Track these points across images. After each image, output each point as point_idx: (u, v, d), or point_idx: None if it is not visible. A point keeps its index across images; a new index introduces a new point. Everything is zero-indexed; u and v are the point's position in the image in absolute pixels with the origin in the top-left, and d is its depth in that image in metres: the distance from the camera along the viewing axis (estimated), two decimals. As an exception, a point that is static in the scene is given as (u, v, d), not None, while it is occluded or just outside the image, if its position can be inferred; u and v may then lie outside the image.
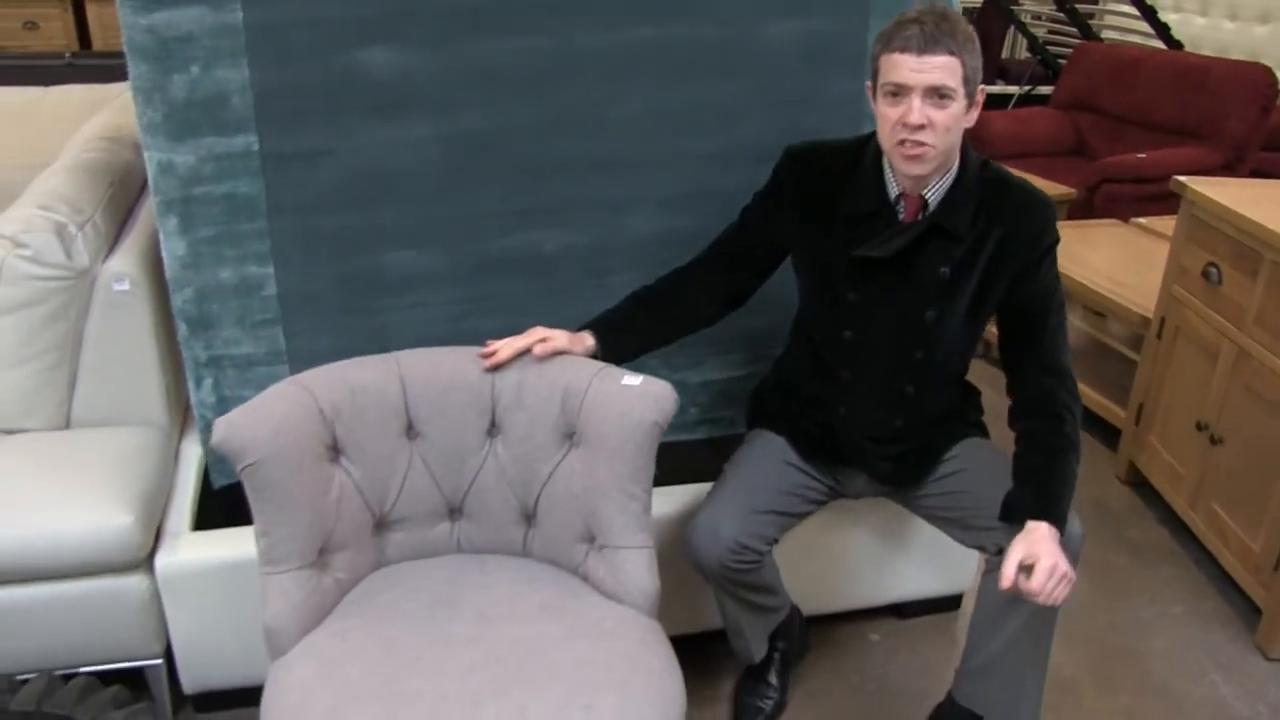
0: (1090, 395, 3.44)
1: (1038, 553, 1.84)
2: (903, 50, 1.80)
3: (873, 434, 2.11)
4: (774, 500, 2.12)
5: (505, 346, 2.01)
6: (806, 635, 2.53)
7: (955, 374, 2.14)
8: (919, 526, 2.47)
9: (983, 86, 1.89)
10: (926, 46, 1.78)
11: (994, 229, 1.94)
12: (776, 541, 2.13)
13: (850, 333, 2.04)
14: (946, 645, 2.16)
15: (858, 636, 2.63)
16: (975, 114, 1.88)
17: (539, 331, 2.03)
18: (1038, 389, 1.99)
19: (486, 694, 1.68)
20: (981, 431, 2.18)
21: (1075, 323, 3.95)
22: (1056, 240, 1.98)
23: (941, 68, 1.79)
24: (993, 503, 1.96)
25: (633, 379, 1.93)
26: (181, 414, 2.54)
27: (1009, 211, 1.95)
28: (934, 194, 1.93)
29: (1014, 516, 1.91)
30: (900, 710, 2.40)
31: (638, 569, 1.91)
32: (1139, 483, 3.24)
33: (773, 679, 2.39)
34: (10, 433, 2.31)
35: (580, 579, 1.98)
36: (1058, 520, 1.88)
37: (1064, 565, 1.83)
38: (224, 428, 1.78)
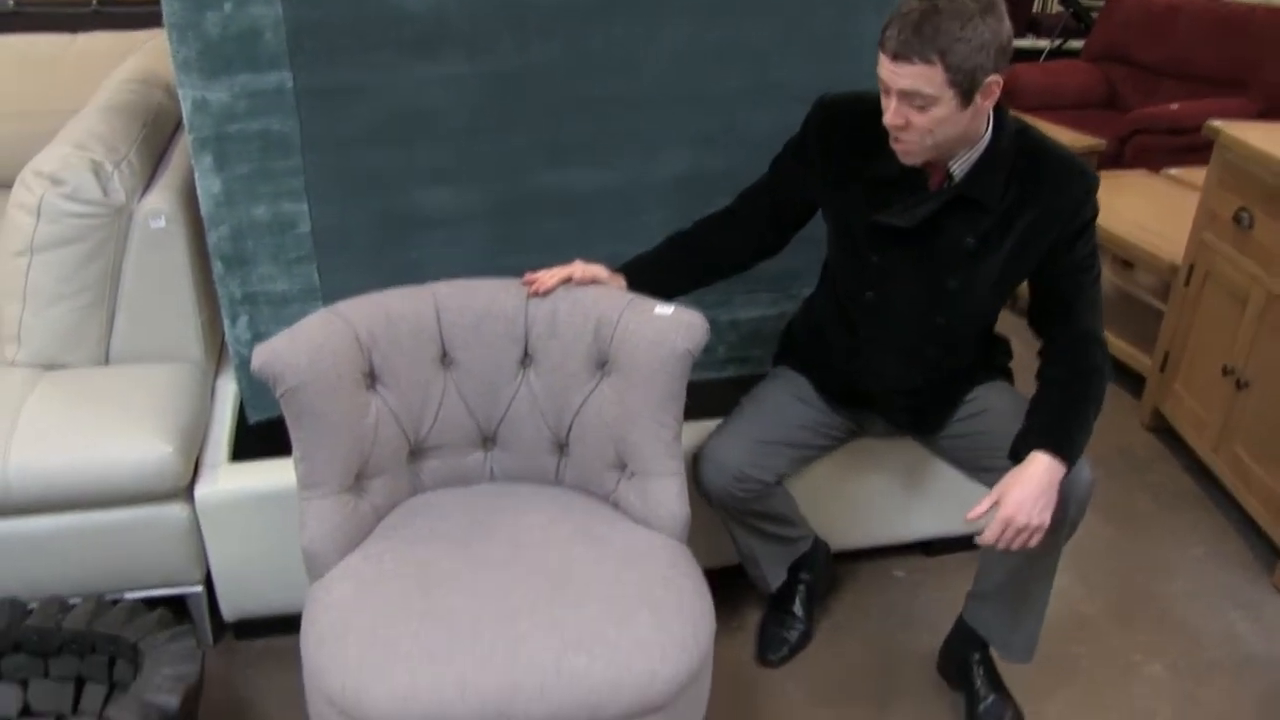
0: (1116, 344, 3.45)
1: (1005, 498, 1.84)
2: (882, 48, 1.76)
3: (893, 386, 2.13)
4: (786, 434, 2.15)
5: (548, 276, 2.03)
6: (834, 570, 2.56)
7: (979, 334, 2.14)
8: (944, 465, 2.50)
9: (995, 78, 1.77)
10: (899, 52, 1.72)
11: (1028, 200, 1.89)
12: (785, 475, 2.16)
13: (872, 294, 2.04)
14: (969, 583, 2.18)
15: (882, 573, 2.66)
16: (988, 100, 1.80)
17: (580, 264, 2.05)
18: (1068, 351, 1.98)
19: (522, 611, 1.72)
20: (1006, 376, 2.20)
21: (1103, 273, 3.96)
22: (1095, 214, 1.93)
23: (913, 76, 1.72)
24: (1006, 442, 1.96)
25: (665, 308, 1.96)
26: (218, 351, 2.58)
27: (1046, 183, 1.89)
28: (960, 166, 1.89)
29: (1019, 451, 1.90)
30: (923, 643, 2.44)
31: (668, 495, 1.94)
32: (1163, 429, 3.25)
33: (798, 610, 2.42)
34: (51, 368, 2.35)
35: (612, 506, 2.01)
36: (1062, 452, 1.85)
37: (1025, 517, 1.81)
38: (264, 354, 1.81)
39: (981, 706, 2.21)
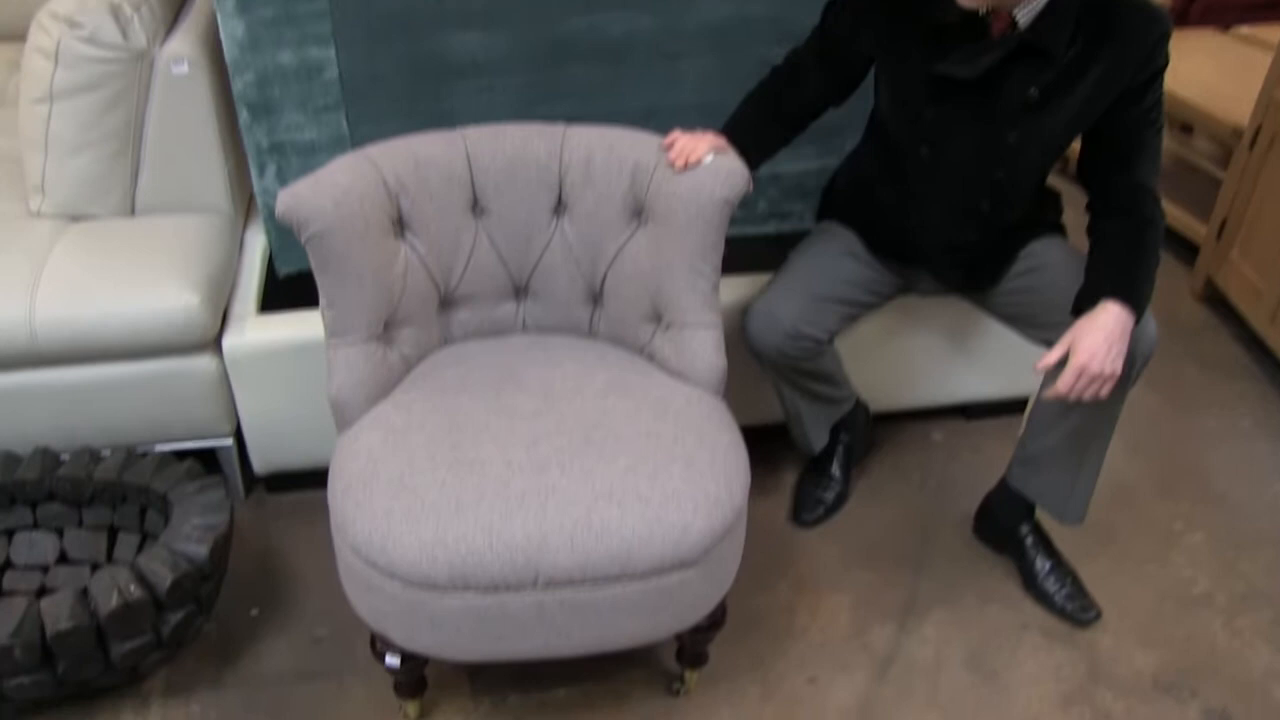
0: (1170, 211, 3.30)
1: (1078, 345, 1.79)
2: None
3: (945, 242, 2.05)
4: (837, 289, 2.08)
5: (692, 142, 1.88)
6: (872, 431, 2.52)
7: (1034, 187, 2.05)
8: (987, 327, 2.43)
9: None
10: None
11: (1096, 50, 1.78)
12: (836, 333, 2.10)
13: (926, 149, 1.94)
14: (1009, 446, 2.13)
15: (921, 436, 2.62)
16: None
17: (711, 137, 1.93)
18: (1124, 204, 1.89)
19: (552, 461, 1.69)
20: (1059, 232, 2.11)
21: (1155, 138, 3.82)
22: (1166, 63, 1.81)
23: None
24: (1065, 297, 1.89)
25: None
26: (246, 203, 2.53)
27: (1116, 31, 1.77)
28: (1025, 14, 1.76)
29: (1085, 304, 1.83)
30: (959, 506, 2.40)
31: (705, 348, 1.89)
32: (1215, 299, 3.15)
33: (835, 471, 2.39)
34: (77, 219, 2.31)
35: (647, 359, 1.97)
36: (1132, 301, 1.80)
37: (1099, 365, 1.76)
38: (288, 198, 1.75)
39: (1041, 575, 2.18)
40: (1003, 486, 2.20)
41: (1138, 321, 1.82)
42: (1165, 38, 1.78)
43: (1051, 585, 2.16)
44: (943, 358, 2.49)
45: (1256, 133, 2.91)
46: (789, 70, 2.03)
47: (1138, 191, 1.88)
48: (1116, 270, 1.85)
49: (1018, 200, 1.99)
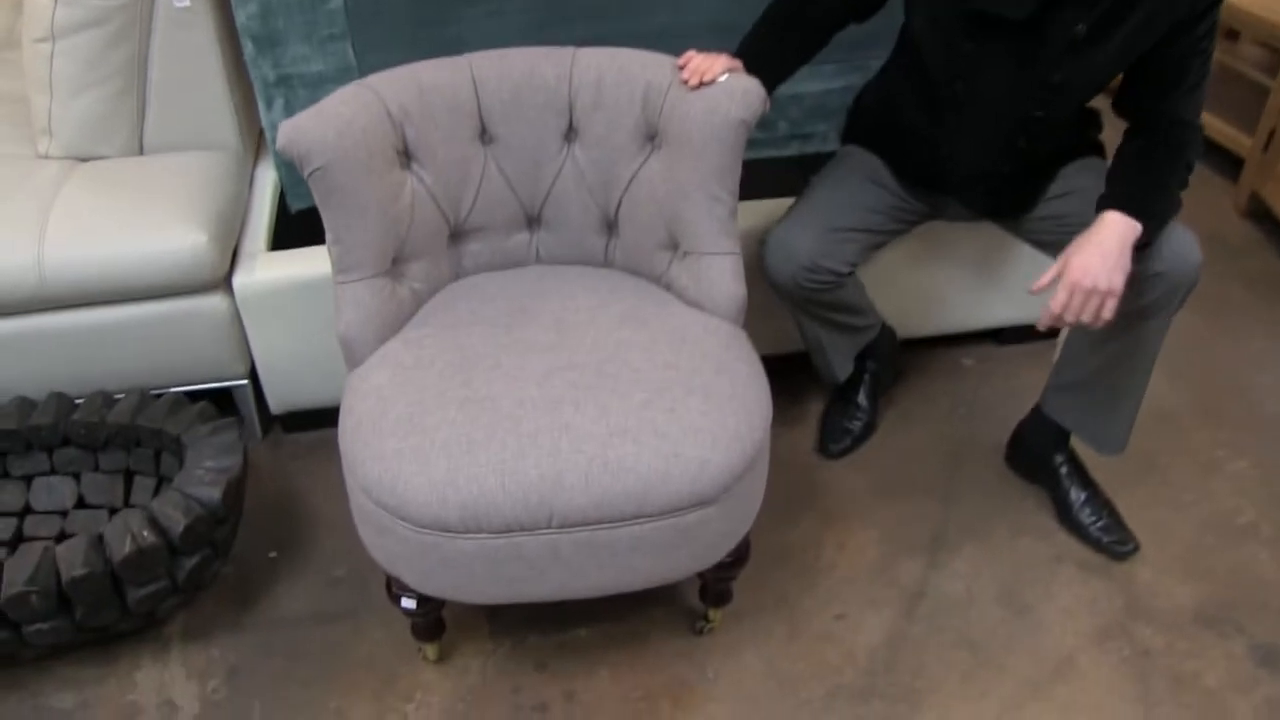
0: (1213, 123, 3.22)
1: (1070, 262, 1.69)
2: None
3: (976, 173, 1.96)
4: (858, 218, 1.99)
5: (706, 62, 1.79)
6: (901, 359, 2.45)
7: (1074, 119, 1.95)
8: (1019, 250, 2.35)
9: None
10: None
11: None
12: (857, 264, 2.02)
13: (961, 84, 1.84)
14: (1041, 372, 2.06)
15: (951, 361, 2.55)
16: None
17: (725, 58, 1.83)
18: (1156, 129, 1.79)
19: (566, 398, 1.63)
20: (1096, 151, 2.00)
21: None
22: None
23: None
24: None
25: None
26: (255, 138, 2.48)
27: None
28: None
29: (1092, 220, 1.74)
30: (990, 434, 2.34)
31: (723, 276, 1.82)
32: (1260, 215, 3.04)
33: (862, 400, 2.32)
34: (85, 160, 2.27)
35: (664, 288, 1.90)
36: (1138, 213, 1.69)
37: (1092, 280, 1.66)
38: (289, 131, 1.69)
39: (1076, 506, 2.11)
40: (1036, 414, 2.13)
41: (1149, 238, 1.72)
42: None
43: (1087, 516, 2.09)
44: (973, 282, 2.41)
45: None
46: None
47: (1176, 122, 1.77)
48: (1125, 183, 1.75)
49: (1056, 135, 1.90)
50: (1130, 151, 1.79)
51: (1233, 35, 3.61)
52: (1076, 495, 2.11)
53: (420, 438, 1.59)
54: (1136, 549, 2.07)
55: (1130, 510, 2.14)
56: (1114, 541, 2.07)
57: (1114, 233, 1.69)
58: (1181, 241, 1.76)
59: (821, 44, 1.97)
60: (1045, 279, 1.74)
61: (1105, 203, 1.73)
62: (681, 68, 1.82)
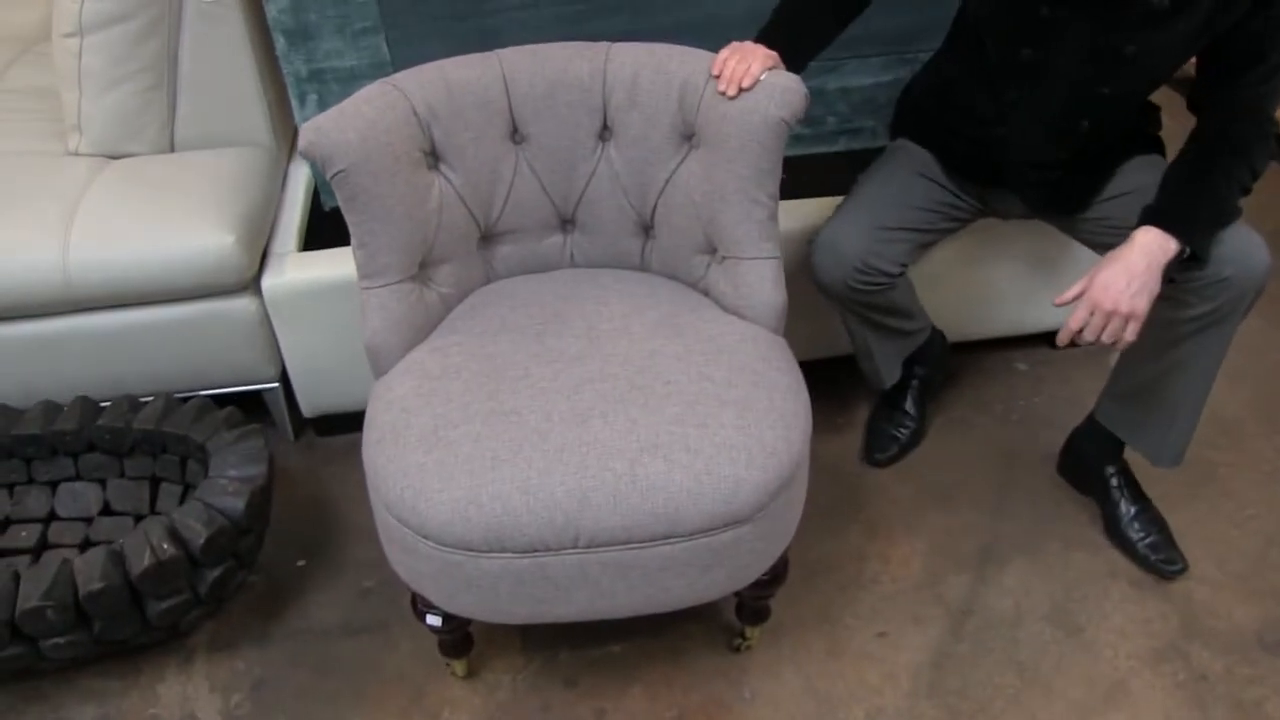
0: None
1: (1094, 279, 1.62)
2: None
3: (1032, 161, 1.86)
4: (908, 217, 1.91)
5: (741, 64, 1.70)
6: (950, 363, 2.36)
7: (1140, 106, 1.86)
8: (1075, 248, 2.25)
9: None
10: None
11: None
12: (908, 265, 1.93)
13: (1030, 51, 1.74)
14: (1098, 377, 1.97)
15: (1004, 365, 2.45)
16: None
17: (762, 51, 1.74)
18: (1219, 118, 1.69)
19: (595, 411, 1.57)
20: (1157, 148, 1.90)
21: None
22: None
23: None
24: None
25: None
26: (289, 135, 2.43)
27: None
28: None
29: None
30: (1043, 441, 2.25)
31: (762, 281, 1.75)
32: (1329, 209, 2.93)
33: (909, 407, 2.24)
34: (114, 157, 2.23)
35: (701, 294, 1.83)
36: (1173, 227, 1.61)
37: (1112, 302, 1.59)
38: (310, 133, 1.64)
39: (1125, 520, 2.02)
40: (1090, 422, 2.04)
41: (1198, 252, 1.63)
42: None
43: (1135, 532, 2.00)
44: (1026, 282, 2.32)
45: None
46: None
47: (1240, 107, 1.67)
48: (1172, 194, 1.66)
49: (1120, 120, 1.80)
50: (1189, 156, 1.69)
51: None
52: (1126, 509, 2.02)
53: (444, 452, 1.53)
54: (1184, 569, 1.97)
55: (1188, 524, 2.05)
56: (1161, 560, 1.98)
57: (1144, 251, 1.61)
58: (1249, 244, 1.66)
59: (853, 17, 1.88)
60: (1070, 293, 1.67)
61: (1146, 215, 1.65)
62: (717, 77, 1.73)
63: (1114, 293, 1.60)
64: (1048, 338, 2.48)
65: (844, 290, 1.90)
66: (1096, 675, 1.81)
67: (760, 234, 1.75)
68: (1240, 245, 1.66)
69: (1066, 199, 1.88)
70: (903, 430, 2.24)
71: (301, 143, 1.63)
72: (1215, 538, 2.04)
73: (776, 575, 1.73)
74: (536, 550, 1.50)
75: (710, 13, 2.12)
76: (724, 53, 1.74)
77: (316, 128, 1.64)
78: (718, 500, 1.50)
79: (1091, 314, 1.63)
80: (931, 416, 2.31)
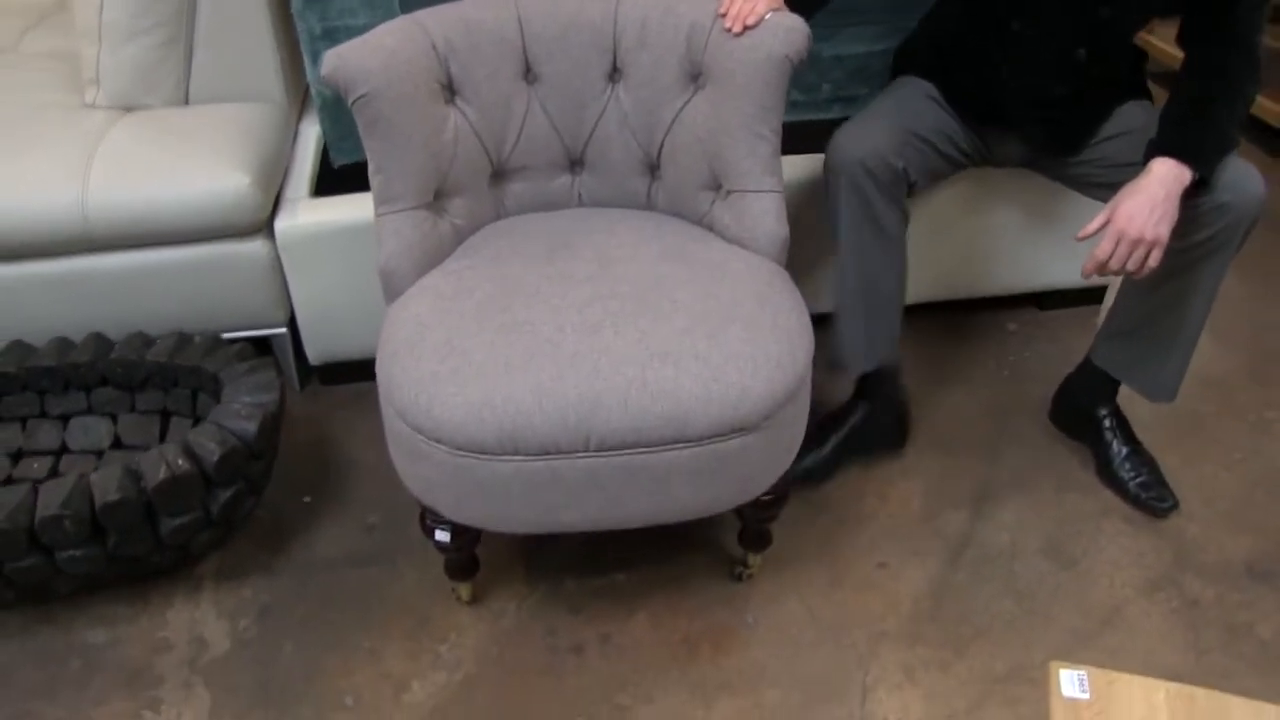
0: (1265, 104, 3.18)
1: (1116, 209, 1.68)
2: None
3: (1033, 97, 1.93)
4: (921, 127, 1.95)
5: (747, 13, 1.77)
6: (906, 423, 2.23)
7: (1132, 37, 1.93)
8: (1064, 210, 2.31)
9: None
10: None
11: None
12: (917, 175, 1.93)
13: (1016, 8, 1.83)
14: (1086, 336, 2.04)
15: (994, 325, 2.51)
16: None
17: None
18: (1208, 54, 1.76)
19: (606, 323, 1.61)
20: (1145, 94, 1.98)
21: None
22: None
23: None
24: None
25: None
26: (300, 93, 2.48)
27: None
28: None
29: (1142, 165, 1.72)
30: (1034, 394, 2.30)
31: (766, 214, 1.80)
32: (1311, 194, 3.00)
33: (828, 448, 2.11)
34: (131, 109, 2.28)
35: (705, 228, 1.88)
36: (1185, 156, 1.67)
37: (1138, 229, 1.66)
38: (334, 59, 1.69)
39: (1117, 461, 2.07)
40: (1085, 366, 2.09)
41: (1206, 178, 1.70)
42: None
43: (1127, 472, 2.05)
44: (1016, 242, 2.38)
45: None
46: None
47: (1228, 42, 1.74)
48: (1176, 125, 1.73)
49: (1117, 49, 1.88)
50: (1185, 89, 1.76)
51: (1277, 18, 3.57)
52: (1118, 450, 2.06)
53: (458, 360, 1.57)
54: (1175, 506, 2.02)
55: (1178, 467, 2.10)
56: (1153, 498, 2.02)
57: (1162, 181, 1.67)
58: (1244, 172, 1.73)
59: None
60: (1093, 226, 1.72)
61: (1155, 148, 1.71)
62: (723, 15, 1.80)
63: (1139, 221, 1.66)
64: (1036, 298, 2.53)
65: (858, 169, 1.87)
66: (1092, 603, 1.85)
67: (763, 168, 1.80)
68: (1237, 173, 1.73)
69: (1066, 138, 1.94)
70: (810, 455, 2.11)
71: (325, 67, 1.68)
72: (1204, 479, 2.09)
73: (779, 495, 1.77)
74: (548, 452, 1.54)
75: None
76: None
77: (339, 54, 1.69)
78: (725, 406, 1.55)
79: (1117, 244, 1.68)
80: (924, 371, 2.37)
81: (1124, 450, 2.06)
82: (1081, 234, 1.74)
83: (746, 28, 1.76)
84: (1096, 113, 1.92)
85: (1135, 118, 1.89)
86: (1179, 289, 1.85)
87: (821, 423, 2.13)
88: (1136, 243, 1.67)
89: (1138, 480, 2.04)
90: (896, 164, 1.88)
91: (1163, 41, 3.54)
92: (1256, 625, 1.80)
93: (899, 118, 1.93)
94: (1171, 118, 1.75)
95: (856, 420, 2.12)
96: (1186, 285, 1.84)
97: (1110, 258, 1.69)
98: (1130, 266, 1.69)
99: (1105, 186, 1.91)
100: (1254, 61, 1.73)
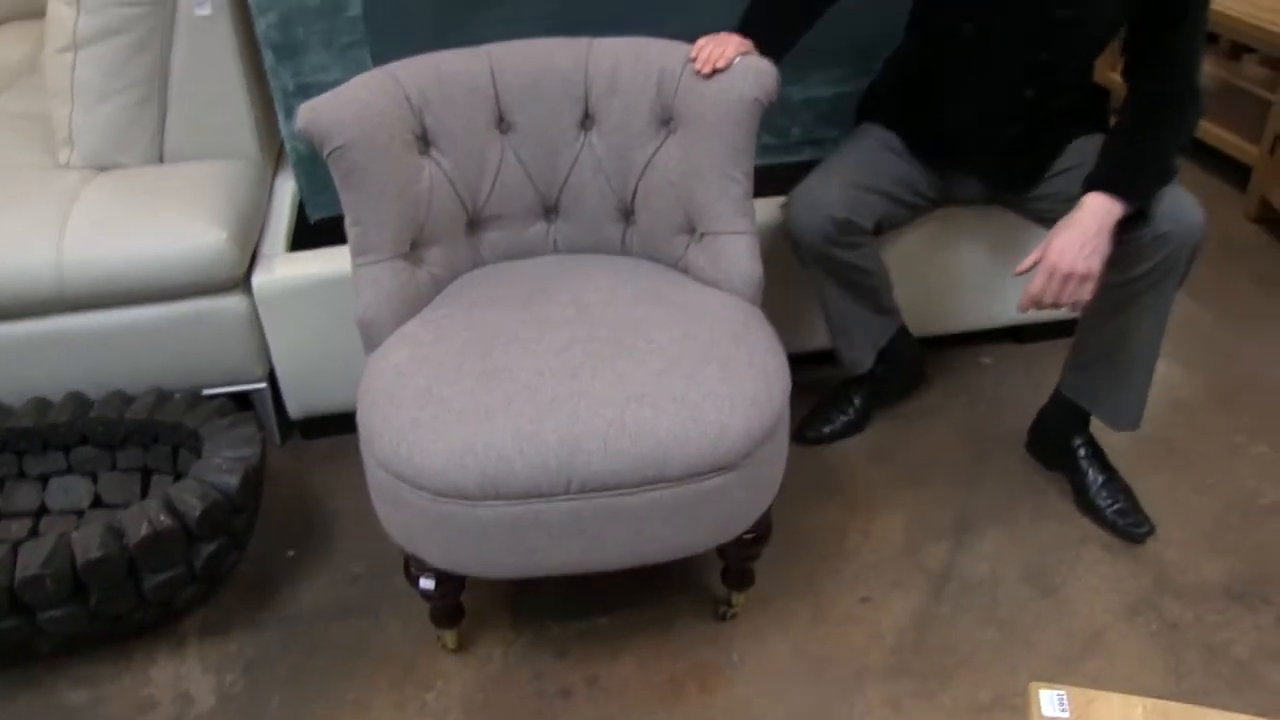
0: (1219, 134, 3.24)
1: (1049, 244, 1.73)
2: None
3: (987, 134, 1.98)
4: (878, 180, 2.00)
5: (717, 48, 1.82)
6: (917, 374, 2.44)
7: (1082, 76, 1.98)
8: (1031, 246, 2.31)
9: None
10: None
11: None
12: (879, 224, 2.02)
13: (970, 26, 1.87)
14: (1059, 368, 2.06)
15: (970, 359, 2.54)
16: None
17: (736, 39, 1.85)
18: (1149, 84, 1.80)
19: (584, 366, 1.63)
20: (1103, 129, 2.01)
21: (1204, 67, 3.71)
22: None
23: None
24: None
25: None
26: (275, 148, 2.51)
27: None
28: None
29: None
30: (1011, 425, 2.33)
31: (739, 255, 1.83)
32: (1270, 220, 3.06)
33: (856, 399, 2.31)
34: (105, 169, 2.29)
35: (680, 271, 1.91)
36: (1117, 190, 1.72)
37: (1069, 264, 1.70)
38: (308, 112, 1.71)
39: (1093, 489, 2.09)
40: (1056, 397, 2.12)
41: (1141, 209, 1.74)
42: None
43: (1103, 500, 2.07)
44: (990, 278, 2.41)
45: (1310, 42, 2.81)
46: None
47: (1167, 73, 1.79)
48: (1111, 158, 1.77)
49: (1063, 87, 1.92)
50: (1123, 122, 1.81)
51: (1234, 55, 3.66)
52: (1094, 478, 2.09)
53: (438, 408, 1.59)
54: (1152, 531, 2.04)
55: (1153, 493, 2.12)
56: (1130, 524, 2.04)
57: (1094, 215, 1.72)
58: (1182, 202, 1.77)
59: (822, 10, 1.99)
60: (1027, 262, 1.77)
61: (1089, 182, 1.75)
62: (694, 59, 1.84)
63: (1070, 256, 1.70)
64: (1015, 332, 2.57)
65: (820, 240, 1.96)
66: (1073, 629, 1.87)
67: (736, 210, 1.83)
68: (1176, 203, 1.77)
69: (1021, 175, 1.99)
70: (841, 417, 2.30)
71: (300, 120, 1.71)
72: (1179, 504, 2.11)
73: (760, 534, 1.78)
74: (530, 496, 1.55)
75: (679, 29, 2.20)
76: (701, 40, 1.84)
77: (313, 107, 1.71)
78: (704, 445, 1.56)
79: (1049, 278, 1.72)
80: (900, 405, 2.39)
81: (1100, 479, 2.08)
82: (1017, 269, 1.78)
83: (716, 70, 1.80)
84: (1048, 150, 1.97)
85: (1087, 153, 1.93)
86: (1128, 321, 1.89)
87: (844, 385, 2.33)
88: (1068, 277, 1.71)
89: (1114, 508, 2.06)
90: (854, 219, 1.95)
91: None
92: (1233, 645, 1.82)
93: (855, 174, 1.98)
94: (1107, 151, 1.79)
95: (876, 378, 2.30)
96: (1135, 316, 1.88)
97: (1042, 292, 1.73)
98: (1064, 300, 1.73)
99: (1055, 222, 1.96)
100: (1192, 92, 1.78)
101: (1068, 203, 1.90)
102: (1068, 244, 1.71)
